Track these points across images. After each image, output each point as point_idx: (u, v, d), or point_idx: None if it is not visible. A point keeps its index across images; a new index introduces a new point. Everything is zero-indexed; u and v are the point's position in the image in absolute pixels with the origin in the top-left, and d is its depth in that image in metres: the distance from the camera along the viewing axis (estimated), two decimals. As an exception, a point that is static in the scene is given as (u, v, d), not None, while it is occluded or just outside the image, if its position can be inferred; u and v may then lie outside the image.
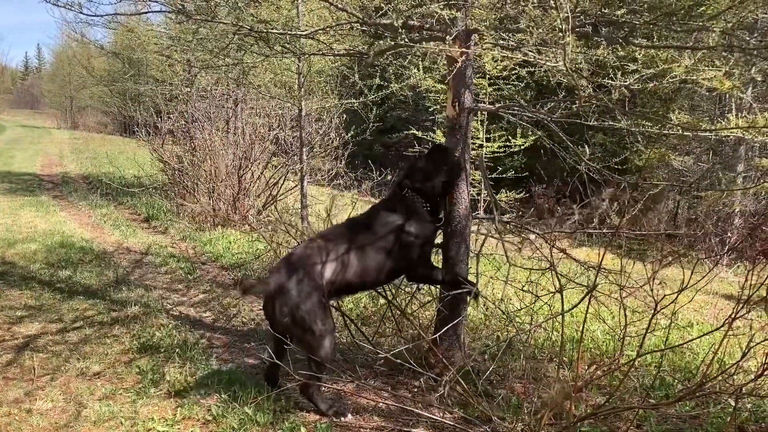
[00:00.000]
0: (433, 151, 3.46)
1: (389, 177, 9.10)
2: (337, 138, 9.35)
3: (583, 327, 2.77)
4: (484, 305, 4.31)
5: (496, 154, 12.83)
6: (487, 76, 11.14)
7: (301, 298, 2.99)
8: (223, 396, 3.18)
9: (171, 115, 9.95)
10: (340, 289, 3.20)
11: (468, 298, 3.51)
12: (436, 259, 3.60)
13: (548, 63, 3.13)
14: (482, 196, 12.21)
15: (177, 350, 3.80)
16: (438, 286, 3.62)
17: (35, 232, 7.57)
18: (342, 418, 3.04)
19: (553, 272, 2.85)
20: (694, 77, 3.28)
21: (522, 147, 12.29)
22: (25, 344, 3.93)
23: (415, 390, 3.39)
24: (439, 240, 3.57)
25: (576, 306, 2.97)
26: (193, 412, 3.05)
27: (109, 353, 3.83)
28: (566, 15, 2.58)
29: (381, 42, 3.68)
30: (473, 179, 11.37)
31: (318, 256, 3.10)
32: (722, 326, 2.46)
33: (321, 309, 3.03)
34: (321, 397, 3.11)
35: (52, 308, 4.67)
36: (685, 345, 3.95)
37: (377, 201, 3.54)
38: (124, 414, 3.04)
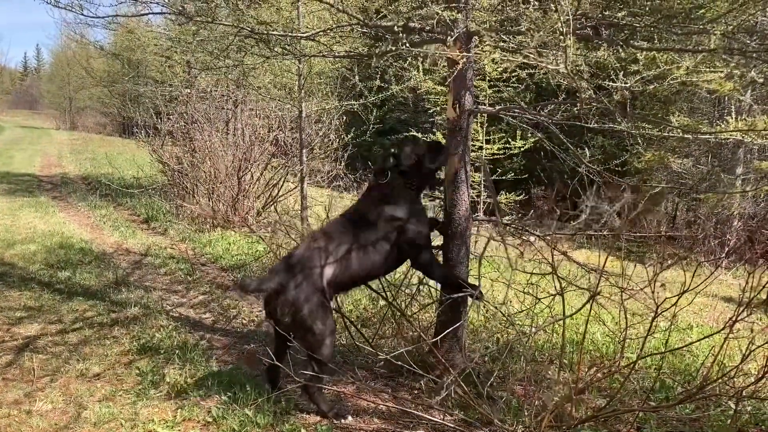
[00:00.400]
0: (431, 144, 3.47)
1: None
2: (337, 139, 9.36)
3: (585, 330, 2.77)
4: (484, 307, 4.31)
5: (495, 156, 12.84)
6: (487, 78, 11.15)
7: (301, 298, 2.99)
8: (223, 397, 3.17)
9: (171, 116, 9.96)
10: (343, 285, 3.20)
11: (469, 301, 3.50)
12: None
13: (549, 65, 3.13)
14: (482, 198, 12.23)
15: (177, 352, 3.79)
16: (439, 289, 3.61)
17: (34, 233, 7.56)
18: (342, 420, 3.04)
19: (554, 275, 2.85)
20: (695, 79, 3.29)
21: (522, 149, 12.30)
22: (24, 345, 3.92)
23: (416, 392, 3.39)
24: (439, 241, 3.57)
25: (578, 311, 2.97)
26: (193, 413, 3.04)
27: (109, 354, 3.82)
28: (567, 17, 2.59)
29: (381, 44, 3.68)
30: (473, 181, 11.38)
31: (318, 256, 3.09)
32: (723, 329, 2.46)
33: (321, 309, 3.03)
34: (323, 398, 3.10)
35: (51, 309, 4.66)
36: (685, 348, 3.95)
37: (369, 186, 3.45)
38: (124, 415, 3.03)
